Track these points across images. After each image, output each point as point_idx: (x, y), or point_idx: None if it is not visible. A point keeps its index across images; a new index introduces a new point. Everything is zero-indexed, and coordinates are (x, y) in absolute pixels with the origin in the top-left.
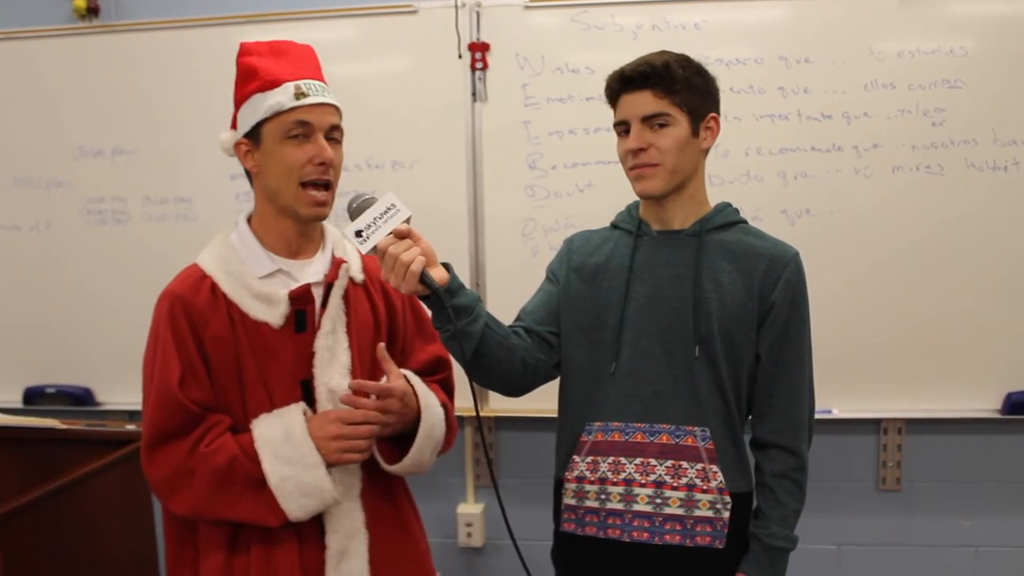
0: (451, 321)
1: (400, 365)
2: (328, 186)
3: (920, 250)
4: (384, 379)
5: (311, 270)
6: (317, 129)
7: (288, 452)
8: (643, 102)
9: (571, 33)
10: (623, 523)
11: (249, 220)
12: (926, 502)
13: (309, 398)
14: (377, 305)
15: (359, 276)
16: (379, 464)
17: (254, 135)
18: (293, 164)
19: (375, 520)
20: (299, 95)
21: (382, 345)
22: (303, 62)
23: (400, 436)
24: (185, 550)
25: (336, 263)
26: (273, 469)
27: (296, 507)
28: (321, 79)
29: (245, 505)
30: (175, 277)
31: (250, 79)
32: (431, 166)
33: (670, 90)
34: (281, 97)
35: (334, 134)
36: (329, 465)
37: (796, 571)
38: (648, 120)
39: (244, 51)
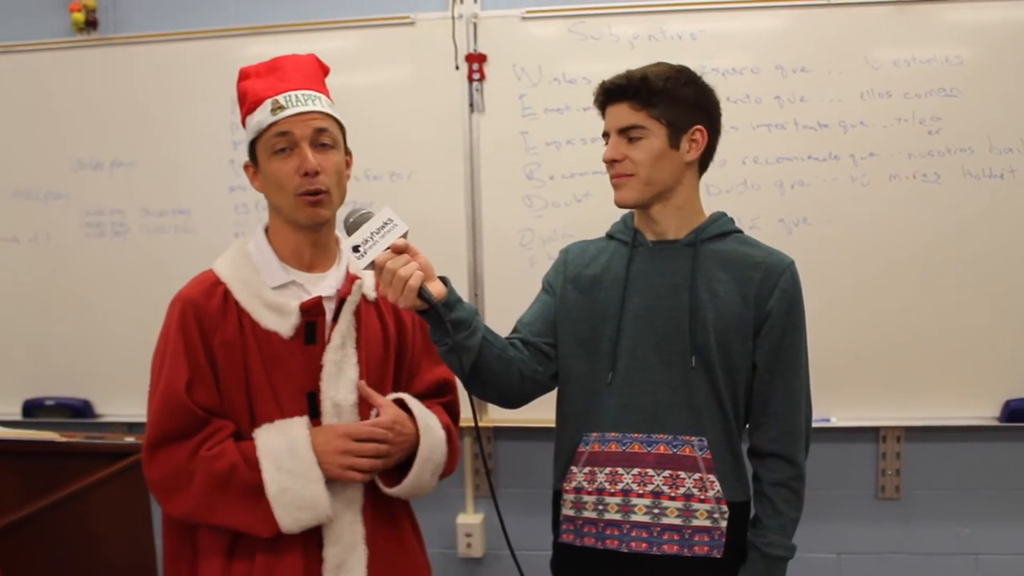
0: (449, 335)
1: (406, 385)
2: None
3: (917, 258)
4: (374, 412)
5: (324, 284)
6: (300, 139)
7: (290, 464)
8: (620, 114)
9: (568, 43)
10: (621, 533)
11: (267, 230)
12: (925, 510)
13: (314, 411)
14: (387, 324)
15: (372, 294)
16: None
17: (253, 156)
18: (282, 178)
19: (375, 535)
20: (276, 109)
21: (362, 383)
22: (291, 74)
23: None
24: (183, 551)
25: (350, 279)
26: (273, 479)
27: (291, 520)
28: (312, 87)
29: (239, 513)
30: (189, 281)
31: (243, 103)
32: (429, 177)
33: (647, 103)
34: (260, 115)
35: (322, 139)
36: (330, 480)
37: None
38: (624, 132)
39: (240, 76)
